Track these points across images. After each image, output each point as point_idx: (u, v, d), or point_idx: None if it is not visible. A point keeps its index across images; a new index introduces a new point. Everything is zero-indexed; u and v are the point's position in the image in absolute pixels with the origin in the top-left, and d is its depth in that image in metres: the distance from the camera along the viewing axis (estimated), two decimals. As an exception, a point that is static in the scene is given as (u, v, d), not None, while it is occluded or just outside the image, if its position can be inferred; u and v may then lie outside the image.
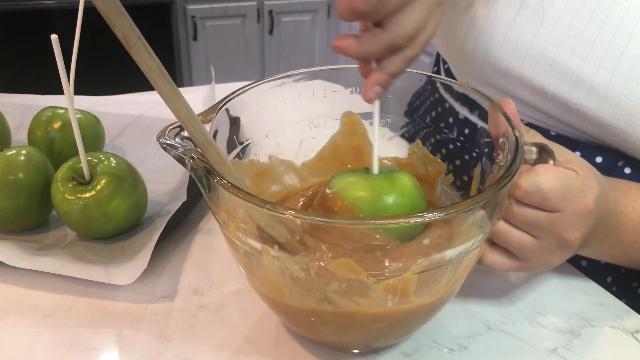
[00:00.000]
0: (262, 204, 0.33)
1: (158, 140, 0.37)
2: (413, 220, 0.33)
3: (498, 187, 0.34)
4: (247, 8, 2.51)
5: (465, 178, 0.47)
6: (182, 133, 0.38)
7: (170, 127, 0.38)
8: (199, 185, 0.38)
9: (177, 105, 0.34)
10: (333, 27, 2.72)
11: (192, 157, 0.36)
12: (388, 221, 0.32)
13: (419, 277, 0.35)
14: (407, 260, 0.34)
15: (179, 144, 0.37)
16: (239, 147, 0.46)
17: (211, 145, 0.37)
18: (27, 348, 0.43)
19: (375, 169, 0.43)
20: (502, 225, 0.41)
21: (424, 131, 0.51)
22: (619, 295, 0.55)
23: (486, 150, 0.45)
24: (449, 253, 0.35)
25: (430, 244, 0.34)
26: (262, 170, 0.49)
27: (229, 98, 0.44)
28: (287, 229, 0.35)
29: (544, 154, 0.40)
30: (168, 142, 0.37)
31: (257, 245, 0.35)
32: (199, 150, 0.37)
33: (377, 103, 0.43)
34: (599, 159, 0.55)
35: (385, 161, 0.51)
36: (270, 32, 2.60)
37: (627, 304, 0.50)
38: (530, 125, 0.58)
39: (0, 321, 0.45)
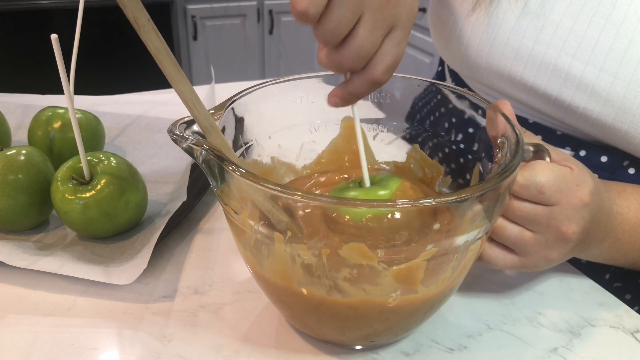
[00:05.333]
0: (276, 186, 0.34)
1: (169, 132, 0.38)
2: (423, 203, 0.34)
3: (501, 177, 0.35)
4: (247, 8, 2.51)
5: (465, 179, 0.47)
6: (192, 127, 0.39)
7: (180, 122, 0.39)
8: (210, 178, 0.38)
9: (182, 87, 0.36)
10: (333, 27, 2.72)
11: (204, 147, 0.37)
12: (397, 203, 0.35)
13: (427, 264, 0.36)
14: (417, 246, 0.35)
15: (190, 135, 0.38)
16: (244, 147, 0.47)
17: (214, 129, 0.38)
18: (27, 348, 0.43)
19: (366, 182, 0.43)
20: (500, 221, 0.42)
21: (423, 135, 0.51)
22: (622, 290, 0.55)
23: (483, 153, 0.45)
24: (456, 240, 0.36)
25: (440, 230, 0.35)
26: (264, 171, 0.49)
27: (236, 97, 0.44)
28: (286, 215, 0.35)
29: (539, 152, 0.41)
30: (179, 133, 0.38)
31: (270, 232, 0.36)
32: (204, 134, 0.38)
33: (355, 109, 0.41)
34: (604, 159, 0.55)
35: (384, 165, 0.52)
36: (270, 32, 2.60)
37: (630, 299, 0.50)
38: (536, 124, 0.58)
39: (0, 321, 0.45)
